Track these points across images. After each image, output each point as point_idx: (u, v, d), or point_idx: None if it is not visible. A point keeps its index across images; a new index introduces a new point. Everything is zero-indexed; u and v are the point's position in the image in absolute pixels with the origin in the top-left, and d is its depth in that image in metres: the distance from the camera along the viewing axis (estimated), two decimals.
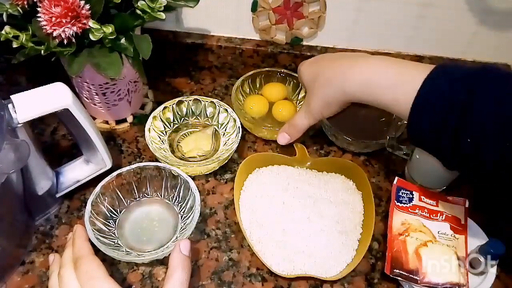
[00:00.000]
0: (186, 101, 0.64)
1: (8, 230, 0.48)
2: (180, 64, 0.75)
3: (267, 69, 0.70)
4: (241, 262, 0.52)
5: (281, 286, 0.50)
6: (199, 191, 0.52)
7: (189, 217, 0.51)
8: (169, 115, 0.64)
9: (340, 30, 0.69)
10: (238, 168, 0.57)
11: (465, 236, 0.52)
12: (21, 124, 0.43)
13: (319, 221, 0.53)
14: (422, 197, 0.55)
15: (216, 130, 0.64)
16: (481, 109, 0.38)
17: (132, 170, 0.53)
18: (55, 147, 0.62)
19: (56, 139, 0.64)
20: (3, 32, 0.47)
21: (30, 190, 0.49)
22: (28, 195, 0.49)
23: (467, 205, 0.55)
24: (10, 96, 0.43)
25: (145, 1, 0.51)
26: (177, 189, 0.54)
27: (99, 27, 0.48)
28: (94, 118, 0.64)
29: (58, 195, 0.53)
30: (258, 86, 0.70)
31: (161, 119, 0.63)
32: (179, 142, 0.63)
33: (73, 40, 0.49)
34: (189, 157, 0.61)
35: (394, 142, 0.60)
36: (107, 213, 0.52)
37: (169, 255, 0.43)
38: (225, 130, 0.63)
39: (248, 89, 0.69)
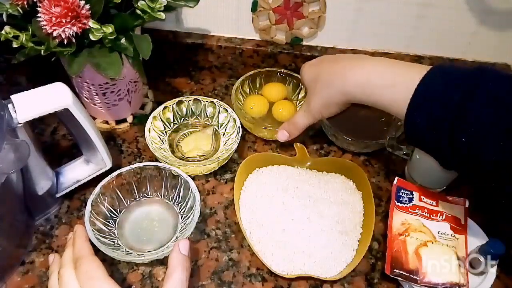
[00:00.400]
0: (186, 101, 0.64)
1: (8, 230, 0.48)
2: (180, 64, 0.75)
3: (267, 69, 0.70)
4: (241, 262, 0.52)
5: (281, 286, 0.50)
6: (199, 191, 0.52)
7: (189, 217, 0.51)
8: (169, 115, 0.64)
9: (340, 30, 0.69)
10: (238, 168, 0.57)
11: (465, 236, 0.52)
12: (21, 124, 0.43)
13: (319, 221, 0.53)
14: (422, 197, 0.55)
15: (216, 130, 0.64)
16: (477, 109, 0.38)
17: (132, 170, 0.53)
18: (55, 147, 0.63)
19: (56, 139, 0.64)
20: (3, 32, 0.47)
21: (30, 190, 0.49)
22: (28, 195, 0.49)
23: (467, 205, 0.55)
24: (10, 96, 0.43)
25: (145, 1, 0.51)
26: (177, 189, 0.54)
27: (99, 27, 0.48)
28: (94, 118, 0.64)
29: (58, 195, 0.53)
30: (258, 86, 0.70)
31: (161, 119, 0.63)
32: (179, 142, 0.63)
33: (73, 40, 0.49)
34: (189, 157, 0.61)
35: (394, 142, 0.60)
36: (107, 213, 0.52)
37: (169, 255, 0.43)
38: (225, 130, 0.63)
39: (248, 89, 0.69)
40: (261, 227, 0.53)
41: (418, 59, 0.71)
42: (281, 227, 0.53)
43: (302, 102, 0.68)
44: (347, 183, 0.59)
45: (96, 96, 0.60)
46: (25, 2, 0.48)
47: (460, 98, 0.39)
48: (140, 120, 0.66)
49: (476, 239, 0.52)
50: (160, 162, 0.56)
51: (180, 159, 0.60)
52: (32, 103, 0.44)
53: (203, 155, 0.61)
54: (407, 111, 0.43)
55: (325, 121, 0.63)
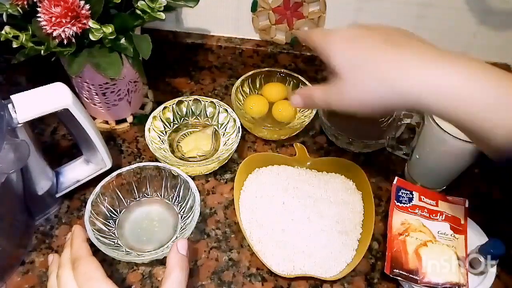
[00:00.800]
0: (186, 101, 0.64)
1: (8, 230, 0.48)
2: (180, 64, 0.75)
3: (267, 69, 0.70)
4: (241, 262, 0.52)
5: (281, 286, 0.50)
6: (199, 191, 0.52)
7: (189, 217, 0.51)
8: (169, 115, 0.64)
9: None
10: (238, 168, 0.57)
11: (465, 236, 0.52)
12: (21, 124, 0.43)
13: (319, 221, 0.53)
14: (422, 197, 0.55)
15: (216, 130, 0.64)
16: None
17: (132, 170, 0.53)
18: (55, 147, 0.63)
19: (56, 139, 0.64)
20: (3, 32, 0.47)
21: (30, 190, 0.49)
22: (28, 195, 0.49)
23: (467, 205, 0.55)
24: (10, 96, 0.43)
25: (145, 1, 0.51)
26: (177, 189, 0.54)
27: (99, 27, 0.48)
28: (94, 118, 0.64)
29: (58, 195, 0.53)
30: (258, 86, 0.70)
31: (161, 119, 0.63)
32: (179, 142, 0.63)
33: (73, 40, 0.49)
34: (189, 157, 0.61)
35: (394, 142, 0.60)
36: (107, 213, 0.52)
37: (167, 255, 0.43)
38: (225, 130, 0.63)
39: (248, 89, 0.69)
40: (261, 227, 0.53)
41: None
42: (281, 227, 0.53)
43: None
44: (347, 183, 0.59)
45: (96, 96, 0.60)
46: (25, 2, 0.48)
47: None
48: (140, 120, 0.66)
49: (476, 239, 0.52)
50: (160, 162, 0.56)
51: (180, 159, 0.60)
52: (32, 103, 0.44)
53: (203, 155, 0.61)
54: None
55: (325, 121, 0.63)
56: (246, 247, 0.53)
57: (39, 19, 0.47)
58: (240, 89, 0.68)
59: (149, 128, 0.60)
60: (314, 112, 0.64)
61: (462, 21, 0.65)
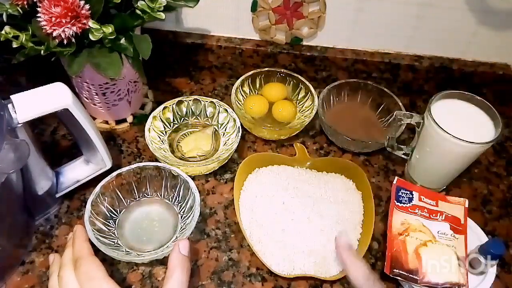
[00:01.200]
0: (186, 101, 0.64)
1: (8, 230, 0.48)
2: (180, 64, 0.75)
3: (267, 69, 0.70)
4: (241, 262, 0.52)
5: (281, 286, 0.50)
6: (199, 191, 0.52)
7: (189, 217, 0.51)
8: (169, 115, 0.64)
9: (340, 30, 0.69)
10: (238, 168, 0.57)
11: (465, 236, 0.52)
12: (21, 124, 0.43)
13: (319, 221, 0.53)
14: (422, 197, 0.55)
15: (216, 130, 0.64)
16: None
17: (132, 170, 0.53)
18: (55, 147, 0.63)
19: (56, 139, 0.64)
20: (3, 32, 0.47)
21: (30, 190, 0.49)
22: (28, 195, 0.49)
23: (467, 205, 0.54)
24: (10, 96, 0.43)
25: (145, 1, 0.51)
26: (177, 189, 0.54)
27: (99, 27, 0.48)
28: (94, 118, 0.64)
29: (58, 195, 0.53)
30: (258, 86, 0.70)
31: (161, 119, 0.63)
32: (179, 142, 0.63)
33: (73, 40, 0.49)
34: (189, 157, 0.61)
35: (394, 142, 0.60)
36: (107, 213, 0.52)
37: (169, 255, 0.43)
38: (225, 130, 0.63)
39: (248, 89, 0.69)
40: (261, 227, 0.53)
41: (418, 59, 0.71)
42: (281, 227, 0.53)
43: (302, 102, 0.68)
44: (347, 183, 0.59)
45: (96, 96, 0.60)
46: (25, 2, 0.48)
47: None
48: (140, 120, 0.66)
49: (476, 239, 0.52)
50: (160, 162, 0.56)
51: (180, 159, 0.60)
52: (32, 103, 0.44)
53: (203, 155, 0.61)
54: None
55: (325, 121, 0.63)
56: (246, 247, 0.53)
57: (39, 19, 0.47)
58: (240, 89, 0.68)
59: (149, 128, 0.60)
60: (314, 112, 0.64)
61: (462, 21, 0.65)
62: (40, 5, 0.47)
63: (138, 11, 0.52)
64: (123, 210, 0.54)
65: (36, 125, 0.64)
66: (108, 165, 0.55)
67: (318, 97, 0.65)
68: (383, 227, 0.56)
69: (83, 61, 0.51)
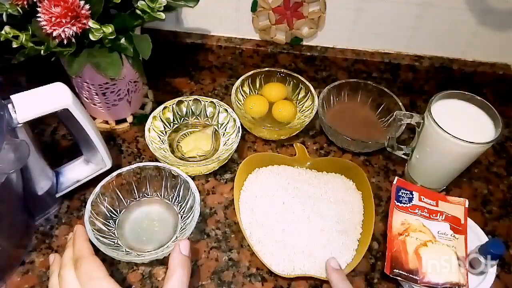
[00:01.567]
0: (186, 101, 0.64)
1: (8, 230, 0.48)
2: (180, 64, 0.75)
3: (267, 69, 0.70)
4: (241, 262, 0.52)
5: (281, 286, 0.50)
6: (199, 191, 0.52)
7: (189, 217, 0.51)
8: (169, 115, 0.64)
9: (340, 30, 0.69)
10: (238, 168, 0.57)
11: (465, 236, 0.52)
12: (21, 124, 0.43)
13: (319, 221, 0.53)
14: (422, 197, 0.55)
15: (216, 130, 0.64)
16: None
17: (132, 170, 0.53)
18: (55, 147, 0.63)
19: (56, 139, 0.64)
20: (3, 32, 0.47)
21: (30, 190, 0.49)
22: (28, 195, 0.49)
23: (467, 205, 0.54)
24: (10, 96, 0.43)
25: (145, 1, 0.51)
26: (177, 189, 0.54)
27: (99, 27, 0.48)
28: (94, 118, 0.64)
29: (58, 195, 0.53)
30: (258, 86, 0.70)
31: (161, 119, 0.63)
32: (179, 142, 0.63)
33: (73, 40, 0.49)
34: (189, 157, 0.61)
35: (394, 142, 0.60)
36: (107, 213, 0.52)
37: (169, 255, 0.43)
38: (225, 130, 0.63)
39: (248, 89, 0.69)
40: (261, 227, 0.53)
41: (418, 59, 0.71)
42: (281, 227, 0.53)
43: (302, 102, 0.68)
44: (347, 183, 0.59)
45: (96, 96, 0.60)
46: (25, 2, 0.48)
47: None
48: (140, 120, 0.66)
49: (476, 239, 0.52)
50: (160, 162, 0.56)
51: (180, 159, 0.60)
52: (32, 103, 0.44)
53: (203, 155, 0.61)
54: None
55: (325, 121, 0.63)
56: (246, 247, 0.53)
57: (39, 19, 0.47)
58: (240, 89, 0.68)
59: (149, 128, 0.60)
60: (314, 112, 0.64)
61: (462, 21, 0.65)
62: (40, 5, 0.47)
63: (138, 11, 0.52)
64: (123, 210, 0.54)
65: (36, 125, 0.64)
66: (108, 165, 0.55)
67: (318, 97, 0.65)
68: (383, 227, 0.56)
69: (83, 61, 0.51)
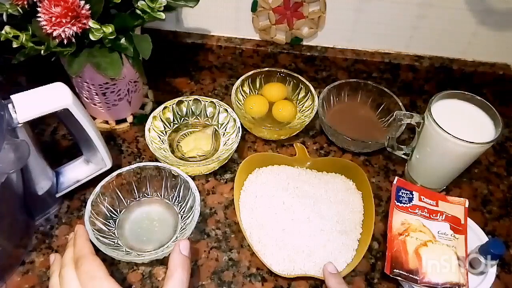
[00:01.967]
0: (186, 101, 0.64)
1: (8, 230, 0.48)
2: (180, 64, 0.75)
3: (267, 69, 0.70)
4: (241, 262, 0.52)
5: (281, 286, 0.50)
6: (199, 191, 0.52)
7: (189, 217, 0.51)
8: (169, 115, 0.64)
9: (340, 30, 0.69)
10: (238, 168, 0.57)
11: (465, 236, 0.52)
12: (21, 124, 0.43)
13: (319, 221, 0.53)
14: (422, 197, 0.55)
15: (216, 130, 0.64)
16: None
17: (132, 170, 0.53)
18: (55, 147, 0.63)
19: (56, 139, 0.64)
20: (3, 32, 0.47)
21: (30, 190, 0.49)
22: (28, 195, 0.49)
23: (467, 205, 0.54)
24: (10, 96, 0.43)
25: (145, 1, 0.51)
26: (177, 189, 0.54)
27: (99, 27, 0.48)
28: (94, 118, 0.64)
29: (58, 195, 0.53)
30: (258, 86, 0.70)
31: (161, 119, 0.63)
32: (179, 142, 0.63)
33: (73, 40, 0.49)
34: (189, 157, 0.61)
35: (394, 142, 0.60)
36: (107, 213, 0.52)
37: (169, 255, 0.43)
38: (225, 130, 0.63)
39: (248, 89, 0.69)
40: (261, 227, 0.53)
41: (418, 59, 0.71)
42: (281, 227, 0.53)
43: (302, 102, 0.68)
44: (347, 183, 0.59)
45: (96, 96, 0.60)
46: (25, 2, 0.48)
47: None
48: (140, 120, 0.66)
49: (476, 239, 0.52)
50: (160, 162, 0.56)
51: (180, 159, 0.60)
52: (32, 103, 0.44)
53: (203, 155, 0.61)
54: None
55: (325, 121, 0.63)
56: (246, 247, 0.53)
57: (39, 19, 0.47)
58: (240, 89, 0.68)
59: (149, 128, 0.60)
60: (314, 112, 0.64)
61: (462, 21, 0.65)
62: (40, 5, 0.47)
63: (138, 11, 0.52)
64: (123, 210, 0.54)
65: (36, 125, 0.64)
66: (108, 165, 0.55)
67: (318, 97, 0.65)
68: (383, 227, 0.56)
69: (83, 61, 0.51)
